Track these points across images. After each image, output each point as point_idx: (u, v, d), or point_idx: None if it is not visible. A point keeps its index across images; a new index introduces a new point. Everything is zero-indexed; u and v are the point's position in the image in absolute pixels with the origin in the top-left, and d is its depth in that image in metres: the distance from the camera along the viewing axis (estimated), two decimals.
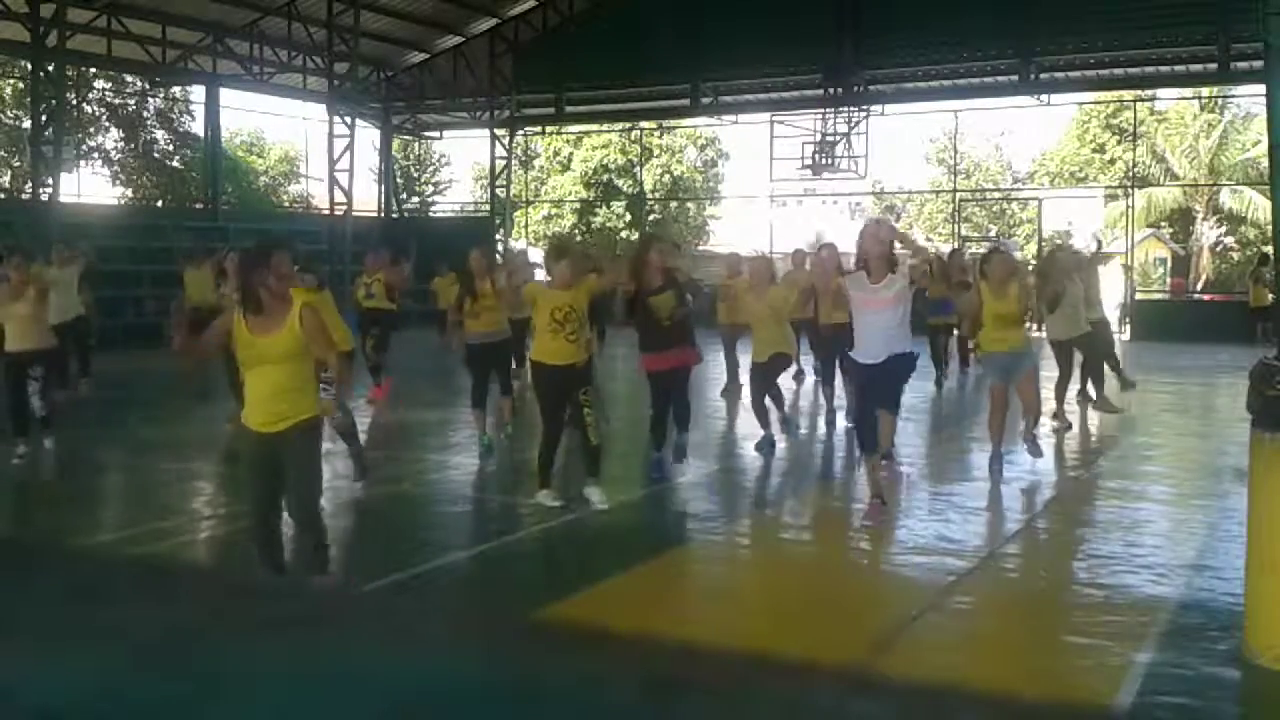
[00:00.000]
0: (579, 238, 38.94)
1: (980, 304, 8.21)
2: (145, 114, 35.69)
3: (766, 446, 8.96)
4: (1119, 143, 37.59)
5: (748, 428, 11.10)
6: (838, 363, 9.90)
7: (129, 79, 31.64)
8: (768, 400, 9.08)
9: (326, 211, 25.78)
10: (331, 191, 25.41)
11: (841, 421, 10.12)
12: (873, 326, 6.65)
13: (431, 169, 43.70)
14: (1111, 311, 16.95)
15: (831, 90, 23.01)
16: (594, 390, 7.41)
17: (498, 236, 27.93)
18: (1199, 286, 32.82)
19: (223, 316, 5.19)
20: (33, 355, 8.71)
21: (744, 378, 12.68)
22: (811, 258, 10.79)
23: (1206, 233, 35.27)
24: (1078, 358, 10.46)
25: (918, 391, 10.86)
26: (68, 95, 25.33)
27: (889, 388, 6.77)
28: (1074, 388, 10.69)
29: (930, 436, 10.69)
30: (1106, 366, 10.94)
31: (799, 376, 13.03)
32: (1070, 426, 10.17)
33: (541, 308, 6.96)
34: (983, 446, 10.10)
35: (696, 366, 8.21)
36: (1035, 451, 8.49)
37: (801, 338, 10.85)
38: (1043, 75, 22.15)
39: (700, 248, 38.39)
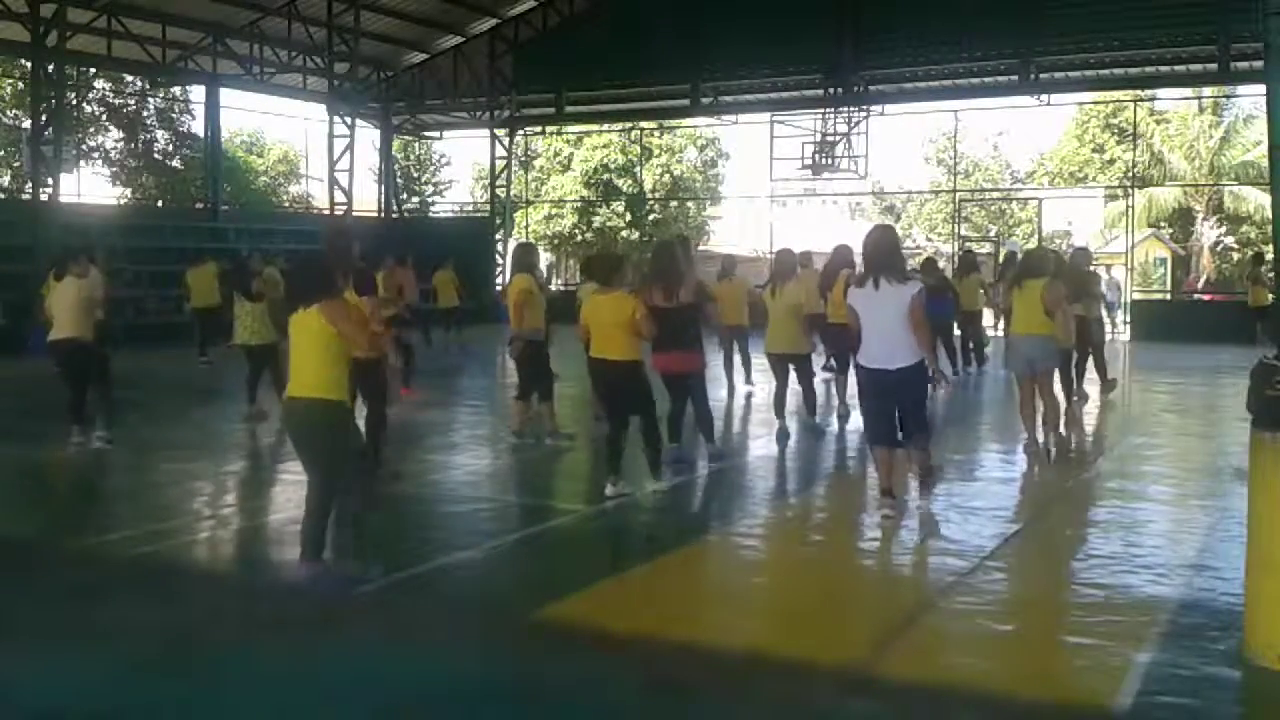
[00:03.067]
0: (579, 238, 38.94)
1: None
2: (145, 114, 35.70)
3: (782, 437, 9.40)
4: (1119, 143, 37.57)
5: (747, 427, 11.12)
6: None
7: (129, 79, 31.67)
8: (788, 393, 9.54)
9: (326, 211, 25.80)
10: (331, 192, 25.43)
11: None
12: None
13: (431, 169, 43.72)
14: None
15: (831, 90, 23.02)
16: None
17: (497, 237, 27.96)
18: (1199, 286, 32.78)
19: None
20: None
21: (737, 379, 12.71)
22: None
23: (1206, 233, 35.25)
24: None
25: None
26: (68, 95, 25.35)
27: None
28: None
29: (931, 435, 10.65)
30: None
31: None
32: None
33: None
34: (984, 445, 10.15)
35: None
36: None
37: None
38: (1043, 75, 22.14)
39: (701, 247, 38.36)
